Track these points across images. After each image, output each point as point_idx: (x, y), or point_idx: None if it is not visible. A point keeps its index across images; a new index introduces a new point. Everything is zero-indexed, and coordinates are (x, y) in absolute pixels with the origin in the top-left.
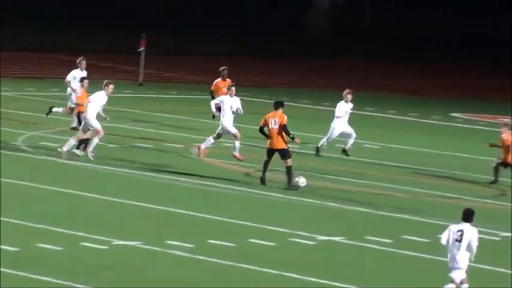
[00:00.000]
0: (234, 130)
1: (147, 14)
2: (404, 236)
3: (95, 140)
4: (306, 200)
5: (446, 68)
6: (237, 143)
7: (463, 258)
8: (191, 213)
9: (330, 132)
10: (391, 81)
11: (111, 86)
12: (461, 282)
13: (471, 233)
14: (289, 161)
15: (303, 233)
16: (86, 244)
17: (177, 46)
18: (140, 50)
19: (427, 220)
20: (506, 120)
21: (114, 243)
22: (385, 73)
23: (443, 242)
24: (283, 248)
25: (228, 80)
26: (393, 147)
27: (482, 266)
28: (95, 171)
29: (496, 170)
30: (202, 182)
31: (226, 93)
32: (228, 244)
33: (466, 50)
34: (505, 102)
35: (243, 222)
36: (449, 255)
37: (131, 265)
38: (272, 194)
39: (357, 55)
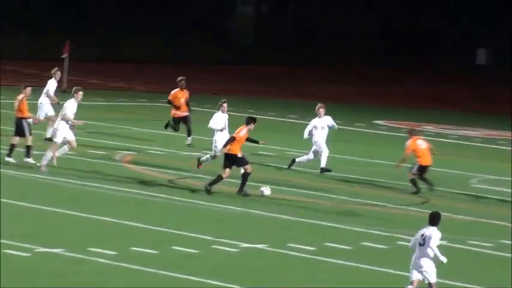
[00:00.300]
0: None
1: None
2: (328, 244)
3: (66, 149)
4: (229, 207)
5: (370, 74)
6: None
7: (425, 262)
8: (114, 220)
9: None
10: (314, 88)
11: (81, 93)
12: (430, 285)
13: (434, 236)
14: (248, 168)
15: (226, 241)
16: (9, 251)
17: (101, 53)
18: (63, 56)
19: (350, 228)
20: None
21: (36, 250)
22: (308, 80)
23: (410, 244)
24: (206, 255)
25: (185, 90)
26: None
27: (402, 273)
28: (19, 179)
29: (413, 181)
30: (125, 189)
31: (183, 104)
32: (150, 251)
33: (392, 56)
34: (430, 110)
35: (166, 230)
36: (412, 258)
37: (54, 272)
38: (195, 201)
39: (281, 62)
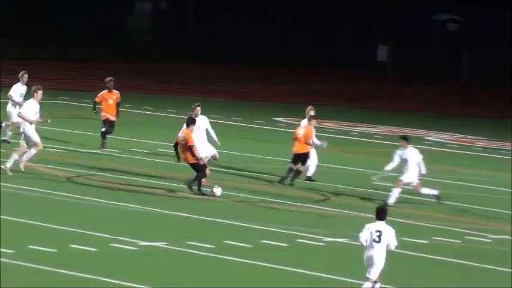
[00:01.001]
0: (213, 151)
1: None
2: (227, 242)
3: (32, 152)
4: (127, 205)
5: (274, 72)
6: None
7: (380, 258)
8: (10, 218)
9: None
10: (216, 85)
11: (40, 92)
12: (375, 282)
13: (389, 233)
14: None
15: (125, 239)
16: None
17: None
18: None
19: (248, 225)
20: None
21: None
22: (209, 77)
23: (363, 241)
24: (105, 253)
25: (114, 91)
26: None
27: (302, 271)
28: None
29: (291, 170)
30: (23, 186)
31: (112, 105)
32: (48, 250)
33: (295, 55)
34: (332, 106)
35: (64, 228)
36: (366, 255)
37: None
38: (93, 198)
39: (181, 59)
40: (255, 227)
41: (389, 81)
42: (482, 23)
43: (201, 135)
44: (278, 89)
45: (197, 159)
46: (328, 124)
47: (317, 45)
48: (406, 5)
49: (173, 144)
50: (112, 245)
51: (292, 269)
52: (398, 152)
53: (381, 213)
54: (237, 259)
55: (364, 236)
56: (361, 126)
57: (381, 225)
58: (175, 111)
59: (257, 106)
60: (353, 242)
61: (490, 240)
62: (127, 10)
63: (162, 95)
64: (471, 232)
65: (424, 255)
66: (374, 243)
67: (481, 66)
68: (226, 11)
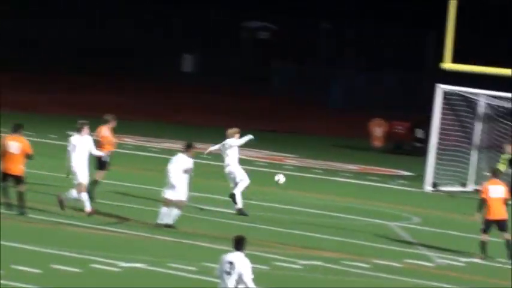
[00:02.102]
0: None
1: None
2: (14, 266)
3: None
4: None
5: (71, 82)
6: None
7: None
8: None
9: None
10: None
11: None
12: None
13: (242, 264)
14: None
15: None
16: None
17: None
18: None
19: (39, 249)
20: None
21: None
22: None
23: (216, 272)
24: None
25: None
26: None
27: None
28: None
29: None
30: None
31: None
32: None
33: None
34: (131, 122)
35: (46, 250)
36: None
37: None
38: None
39: None
40: (45, 250)
41: (194, 92)
42: (295, 32)
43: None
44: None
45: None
46: (127, 140)
47: (114, 55)
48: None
49: None
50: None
51: None
52: None
53: (239, 243)
54: (23, 285)
55: (218, 268)
56: (163, 142)
57: (235, 256)
58: None
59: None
60: (150, 268)
61: (300, 267)
62: None
63: None
64: (281, 258)
65: None
66: (225, 275)
67: (294, 76)
68: None
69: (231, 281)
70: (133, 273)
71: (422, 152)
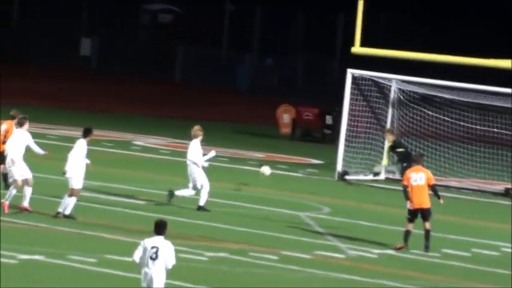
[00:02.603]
0: None
1: None
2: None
3: None
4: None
5: None
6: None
7: (159, 277)
8: None
9: None
10: None
11: None
12: None
13: (166, 249)
14: None
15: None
16: None
17: None
18: None
19: None
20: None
21: None
22: None
23: (136, 259)
24: None
25: None
26: None
27: None
28: None
29: None
30: None
31: None
32: None
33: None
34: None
35: None
36: (143, 274)
37: None
38: None
39: None
40: None
41: (94, 78)
42: (199, 14)
43: None
44: None
45: None
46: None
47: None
48: None
49: None
50: None
51: None
52: None
53: (159, 227)
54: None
55: (138, 253)
56: (60, 129)
57: (158, 240)
58: None
59: None
60: (50, 260)
61: (206, 259)
62: None
63: None
64: (186, 250)
65: None
66: (150, 261)
67: (199, 60)
68: None
69: (158, 266)
70: (32, 265)
71: (332, 140)
